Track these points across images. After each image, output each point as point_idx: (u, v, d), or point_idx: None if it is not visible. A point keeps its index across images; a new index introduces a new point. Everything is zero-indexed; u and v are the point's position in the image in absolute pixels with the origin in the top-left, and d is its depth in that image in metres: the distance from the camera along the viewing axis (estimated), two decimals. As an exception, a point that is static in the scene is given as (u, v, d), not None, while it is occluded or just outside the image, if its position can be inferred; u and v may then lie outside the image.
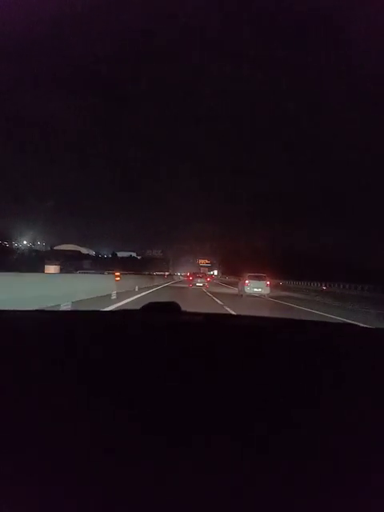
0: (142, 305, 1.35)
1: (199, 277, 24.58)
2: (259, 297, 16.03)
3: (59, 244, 76.62)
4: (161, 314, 1.31)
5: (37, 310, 1.37)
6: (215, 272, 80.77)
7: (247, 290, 16.38)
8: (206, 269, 67.74)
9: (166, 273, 46.59)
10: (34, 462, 0.47)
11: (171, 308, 1.35)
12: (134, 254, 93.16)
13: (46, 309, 1.72)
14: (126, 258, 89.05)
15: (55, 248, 74.07)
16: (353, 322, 5.77)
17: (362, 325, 4.06)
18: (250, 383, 0.71)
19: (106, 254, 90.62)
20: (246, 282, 16.62)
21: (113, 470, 0.46)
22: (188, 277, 26.40)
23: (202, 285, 22.64)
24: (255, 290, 16.41)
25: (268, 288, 16.52)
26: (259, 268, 19.16)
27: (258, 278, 16.83)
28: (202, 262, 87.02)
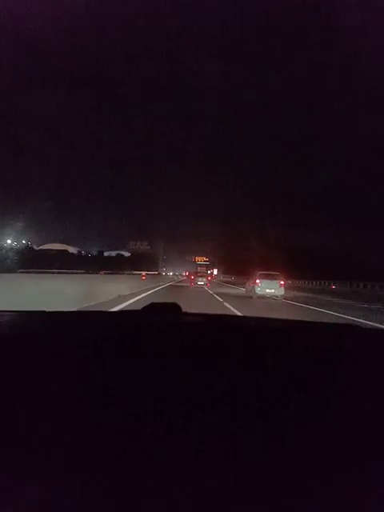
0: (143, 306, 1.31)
1: (200, 276, 25.98)
2: (271, 298, 14.60)
3: (44, 243, 73.60)
4: (161, 314, 1.28)
5: (37, 311, 1.36)
6: (215, 271, 76.76)
7: (258, 290, 14.88)
8: (204, 267, 64.05)
9: (145, 272, 29.04)
10: (34, 461, 0.47)
11: (172, 309, 1.32)
12: (121, 252, 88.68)
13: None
14: (114, 256, 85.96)
15: (40, 248, 71.00)
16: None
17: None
18: (251, 384, 0.71)
19: (94, 252, 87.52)
20: (257, 281, 15.10)
21: (113, 470, 0.46)
22: (189, 276, 27.82)
23: (203, 283, 23.85)
24: (267, 290, 14.90)
25: (282, 289, 14.99)
26: (268, 267, 17.65)
27: (271, 277, 15.23)
28: (200, 259, 79.84)
